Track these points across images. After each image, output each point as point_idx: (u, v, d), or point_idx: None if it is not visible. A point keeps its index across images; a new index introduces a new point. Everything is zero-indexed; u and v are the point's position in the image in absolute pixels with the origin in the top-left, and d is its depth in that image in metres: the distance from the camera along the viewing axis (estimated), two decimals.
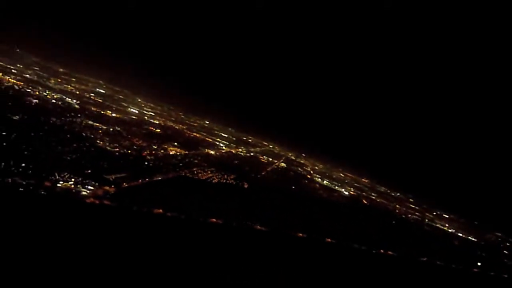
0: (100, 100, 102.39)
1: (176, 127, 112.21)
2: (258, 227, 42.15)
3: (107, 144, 52.25)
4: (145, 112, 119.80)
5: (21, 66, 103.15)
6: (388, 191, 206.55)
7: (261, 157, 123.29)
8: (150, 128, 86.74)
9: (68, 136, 48.13)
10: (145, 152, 55.96)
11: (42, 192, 28.68)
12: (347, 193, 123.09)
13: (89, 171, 37.01)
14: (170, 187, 43.77)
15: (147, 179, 42.79)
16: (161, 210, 34.46)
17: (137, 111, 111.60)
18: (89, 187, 33.15)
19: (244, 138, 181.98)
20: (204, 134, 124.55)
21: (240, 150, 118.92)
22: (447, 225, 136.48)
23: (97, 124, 63.84)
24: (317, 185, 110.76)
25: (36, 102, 62.53)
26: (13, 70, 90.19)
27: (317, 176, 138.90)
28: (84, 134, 52.65)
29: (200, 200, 42.73)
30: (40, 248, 21.58)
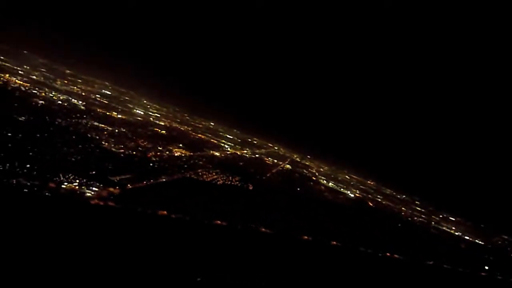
0: (106, 102, 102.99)
1: (181, 128, 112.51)
2: (263, 229, 41.88)
3: (112, 145, 52.38)
4: (150, 113, 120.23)
5: (28, 68, 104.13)
6: (394, 193, 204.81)
7: (266, 158, 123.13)
8: (156, 129, 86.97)
9: (73, 137, 48.33)
10: (150, 154, 56.01)
11: (47, 194, 28.65)
12: (352, 195, 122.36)
13: (94, 172, 37.04)
14: (175, 189, 43.70)
15: (152, 181, 42.78)
16: (165, 212, 34.36)
17: (142, 113, 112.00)
18: (94, 188, 33.13)
19: (249, 140, 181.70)
20: (209, 135, 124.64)
21: (245, 151, 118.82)
22: (453, 228, 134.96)
23: (103, 125, 64.11)
24: (323, 187, 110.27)
25: (42, 103, 62.97)
26: (20, 72, 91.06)
27: (323, 178, 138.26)
28: (89, 135, 52.84)
29: (205, 201, 42.59)
30: (42, 250, 21.51)
